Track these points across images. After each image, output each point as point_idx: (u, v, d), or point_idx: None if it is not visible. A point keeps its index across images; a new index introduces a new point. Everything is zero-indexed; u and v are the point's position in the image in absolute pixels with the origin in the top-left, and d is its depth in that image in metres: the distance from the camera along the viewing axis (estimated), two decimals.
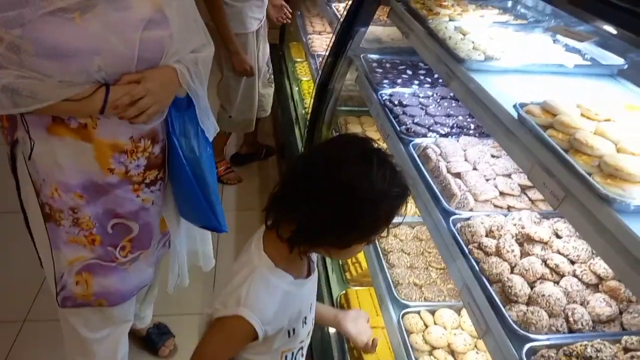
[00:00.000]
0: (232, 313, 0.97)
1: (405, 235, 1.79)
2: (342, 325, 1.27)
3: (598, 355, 0.87)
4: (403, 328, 1.45)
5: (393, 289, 1.54)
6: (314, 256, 1.12)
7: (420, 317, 1.48)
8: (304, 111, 3.19)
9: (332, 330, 1.86)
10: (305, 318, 1.10)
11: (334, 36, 2.36)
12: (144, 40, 1.21)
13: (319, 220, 0.91)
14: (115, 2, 1.17)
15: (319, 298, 2.01)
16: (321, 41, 3.26)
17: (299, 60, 3.78)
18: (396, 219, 0.99)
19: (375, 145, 0.99)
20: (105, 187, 1.34)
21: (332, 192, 0.90)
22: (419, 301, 1.53)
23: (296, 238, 0.96)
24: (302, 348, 1.14)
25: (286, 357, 1.10)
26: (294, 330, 1.06)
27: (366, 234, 0.96)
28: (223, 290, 1.03)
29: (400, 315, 1.49)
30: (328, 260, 2.03)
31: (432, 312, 1.50)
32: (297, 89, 3.50)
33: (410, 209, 1.93)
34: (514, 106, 1.13)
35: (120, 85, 1.22)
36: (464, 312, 1.48)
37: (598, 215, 0.87)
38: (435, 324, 1.47)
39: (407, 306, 1.51)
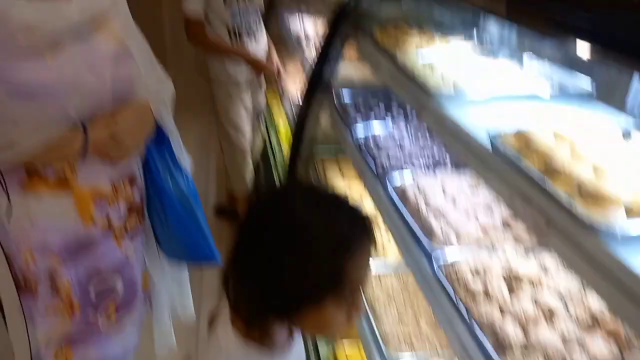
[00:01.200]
0: None
1: (392, 285, 1.69)
2: None
3: None
4: None
5: (381, 342, 1.43)
6: None
7: None
8: (282, 157, 3.14)
9: None
10: None
11: (305, 78, 2.35)
12: (116, 75, 1.22)
13: (263, 278, 0.79)
14: (82, 41, 1.17)
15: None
16: (295, 85, 3.26)
17: (274, 106, 3.77)
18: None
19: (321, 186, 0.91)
20: (87, 242, 1.28)
21: (274, 240, 0.78)
22: (409, 353, 1.43)
23: (249, 310, 0.82)
24: None
25: None
26: None
27: (322, 292, 0.77)
28: None
29: None
30: None
31: None
32: (274, 135, 3.47)
33: (396, 255, 1.87)
34: (487, 135, 1.08)
35: (98, 123, 1.20)
36: None
37: (585, 244, 0.80)
38: None
39: None
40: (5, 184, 1.19)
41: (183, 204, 1.41)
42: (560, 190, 0.86)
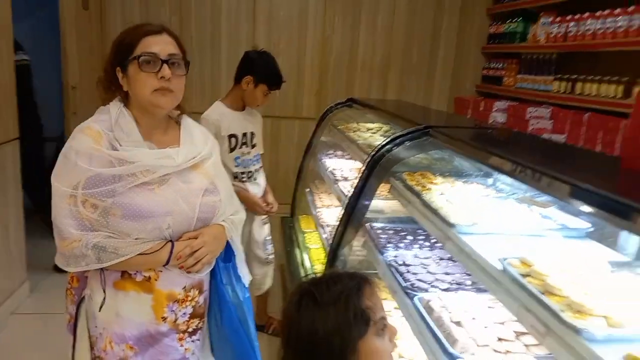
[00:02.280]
0: None
1: None
2: None
3: None
4: None
5: None
6: None
7: None
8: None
9: None
10: None
11: (342, 209, 2.71)
12: (202, 204, 1.54)
13: None
14: (182, 177, 1.52)
15: None
16: (329, 213, 3.62)
17: (308, 230, 4.10)
18: None
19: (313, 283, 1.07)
20: (156, 336, 1.52)
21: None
22: None
23: None
24: None
25: None
26: None
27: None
28: None
29: None
30: None
31: None
32: (306, 256, 3.76)
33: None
34: (499, 260, 1.38)
35: (182, 241, 1.50)
36: None
37: (574, 345, 1.05)
38: None
39: None
40: (104, 281, 1.50)
41: (239, 312, 1.63)
42: (554, 304, 1.13)
